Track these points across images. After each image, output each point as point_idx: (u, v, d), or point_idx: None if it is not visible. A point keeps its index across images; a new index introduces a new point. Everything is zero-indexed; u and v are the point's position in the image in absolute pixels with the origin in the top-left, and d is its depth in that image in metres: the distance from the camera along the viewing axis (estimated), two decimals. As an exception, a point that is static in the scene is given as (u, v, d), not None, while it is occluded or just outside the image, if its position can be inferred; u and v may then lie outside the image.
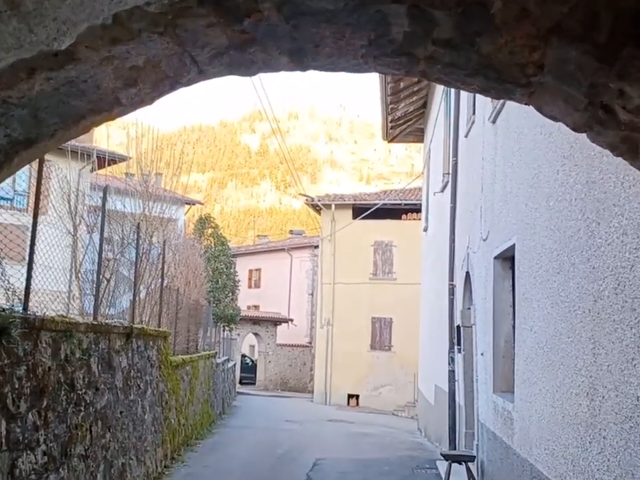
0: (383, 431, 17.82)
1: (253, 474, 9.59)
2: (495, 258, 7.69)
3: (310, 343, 37.15)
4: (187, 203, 38.97)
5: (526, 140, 6.15)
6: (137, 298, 10.53)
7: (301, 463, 10.85)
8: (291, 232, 50.41)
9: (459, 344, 10.38)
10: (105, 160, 15.93)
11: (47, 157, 10.72)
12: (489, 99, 8.27)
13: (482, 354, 8.26)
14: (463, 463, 8.16)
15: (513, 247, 6.70)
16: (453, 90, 11.50)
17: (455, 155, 10.95)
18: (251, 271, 43.73)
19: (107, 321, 7.23)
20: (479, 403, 8.57)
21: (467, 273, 9.66)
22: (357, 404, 27.78)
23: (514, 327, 7.53)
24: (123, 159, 18.25)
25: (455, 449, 10.64)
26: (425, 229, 18.17)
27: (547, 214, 5.28)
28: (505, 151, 7.20)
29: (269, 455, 11.67)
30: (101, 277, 9.39)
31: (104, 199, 7.13)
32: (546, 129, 5.36)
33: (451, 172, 11.32)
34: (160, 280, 10.52)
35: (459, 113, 10.87)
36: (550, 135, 5.23)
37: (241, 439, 14.31)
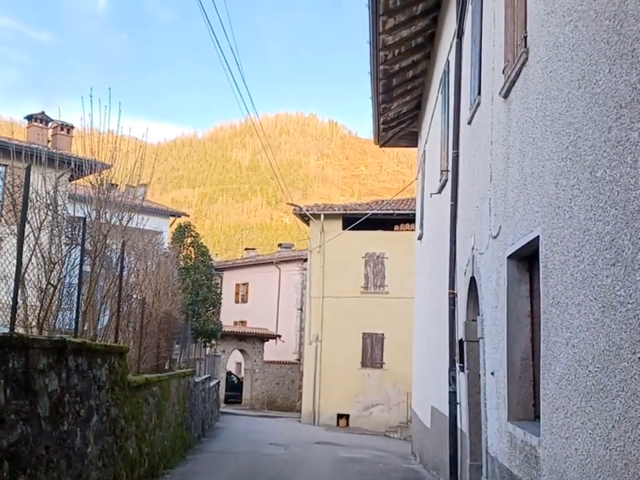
0: (374, 456, 16.40)
1: (221, 515, 8.15)
2: (509, 257, 6.37)
3: (299, 360, 35.68)
4: (172, 215, 37.73)
5: (555, 104, 4.86)
6: (91, 308, 9.14)
7: (280, 499, 9.42)
8: (280, 245, 49.06)
9: (461, 361, 9.03)
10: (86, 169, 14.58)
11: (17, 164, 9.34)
12: (497, 74, 7.01)
13: (492, 373, 6.91)
14: (471, 506, 6.79)
15: (535, 242, 5.39)
16: (452, 75, 10.26)
17: (456, 146, 9.67)
18: (238, 285, 42.30)
19: (28, 334, 5.84)
20: (488, 432, 7.20)
21: (472, 278, 8.34)
22: (347, 424, 26.31)
23: (532, 340, 6.22)
24: (105, 167, 16.97)
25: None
26: (419, 237, 16.87)
27: (593, 189, 3.96)
28: (522, 126, 5.90)
29: (244, 488, 10.24)
30: (46, 282, 8.05)
31: (27, 180, 5.76)
32: (588, 79, 4.07)
33: (451, 167, 10.03)
34: (118, 287, 9.11)
35: (460, 98, 9.61)
36: (596, 84, 3.94)
37: (217, 467, 12.85)
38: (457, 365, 9.31)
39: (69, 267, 8.68)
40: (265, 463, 13.73)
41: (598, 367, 3.78)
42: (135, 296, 10.94)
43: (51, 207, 8.93)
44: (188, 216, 38.23)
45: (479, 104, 8.12)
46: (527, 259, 6.30)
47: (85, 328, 9.31)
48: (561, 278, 4.60)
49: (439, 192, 12.02)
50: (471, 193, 8.65)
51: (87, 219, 9.37)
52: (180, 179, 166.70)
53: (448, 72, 11.15)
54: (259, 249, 55.40)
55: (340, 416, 26.58)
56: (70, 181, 17.84)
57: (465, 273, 8.83)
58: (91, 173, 13.74)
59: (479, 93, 8.11)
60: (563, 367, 4.49)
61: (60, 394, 6.03)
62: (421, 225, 16.60)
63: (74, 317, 8.99)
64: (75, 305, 8.67)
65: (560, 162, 4.69)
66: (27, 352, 5.16)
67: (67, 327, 8.94)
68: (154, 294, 12.50)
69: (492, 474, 6.87)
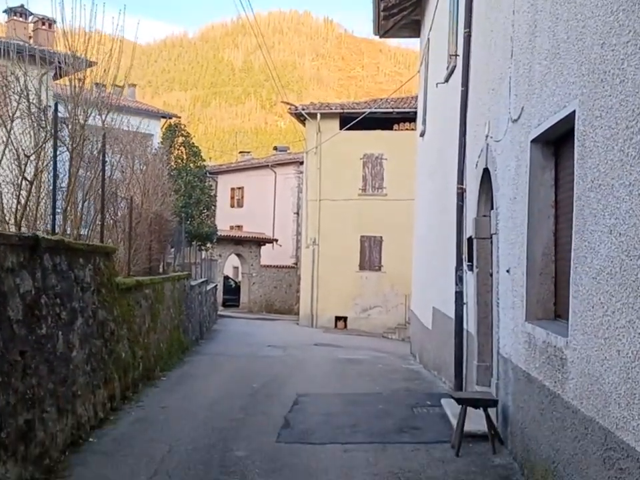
0: (373, 357, 16.27)
1: (218, 418, 7.83)
2: (533, 141, 5.67)
3: (296, 264, 35.54)
4: (162, 117, 36.37)
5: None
6: (73, 206, 8.50)
7: (278, 401, 9.14)
8: (275, 148, 47.89)
9: (469, 260, 8.50)
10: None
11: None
12: None
13: (508, 271, 6.37)
14: (481, 408, 6.41)
15: (568, 119, 4.67)
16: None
17: (468, 25, 8.72)
18: (233, 189, 41.55)
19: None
20: (500, 333, 6.75)
21: (485, 170, 7.65)
22: (345, 326, 26.38)
23: (555, 233, 5.62)
24: (91, 64, 15.85)
25: (461, 383, 8.95)
26: (422, 134, 16.02)
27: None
28: (555, -15, 5.05)
29: (242, 391, 9.96)
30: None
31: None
32: None
33: (462, 49, 9.11)
34: (101, 184, 8.41)
35: (475, -31, 8.58)
36: None
37: (214, 369, 12.63)
38: (465, 264, 8.79)
39: (47, 162, 8.00)
40: (262, 364, 13.53)
41: (655, 257, 3.18)
42: (121, 195, 10.25)
43: (23, 95, 8.11)
44: (179, 117, 36.86)
45: (498, -29, 7.16)
46: (553, 142, 5.61)
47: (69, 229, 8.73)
48: (605, 157, 3.92)
49: (446, 81, 11.12)
50: (485, 74, 7.82)
51: (61, 109, 8.58)
52: (171, 82, 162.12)
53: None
54: (254, 153, 54.20)
55: (338, 318, 26.60)
56: (55, 79, 16.74)
57: (477, 165, 8.14)
58: (76, 71, 12.62)
59: (499, -42, 7.13)
60: (602, 259, 3.90)
61: (35, 295, 5.47)
62: (424, 120, 15.71)
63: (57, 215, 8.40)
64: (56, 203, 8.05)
65: (608, 17, 3.90)
66: (-10, 248, 4.54)
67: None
68: (142, 194, 11.83)
69: (504, 375, 6.46)
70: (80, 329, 6.78)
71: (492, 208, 7.49)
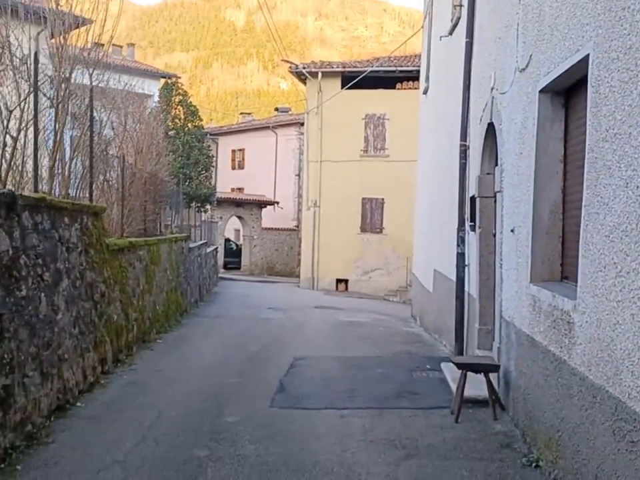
0: (374, 319, 16.08)
1: (212, 383, 7.62)
2: (542, 91, 5.29)
3: (297, 226, 35.23)
4: (162, 77, 35.63)
5: None
6: (60, 163, 8.16)
7: (275, 365, 8.93)
8: (277, 109, 47.13)
9: (472, 220, 8.18)
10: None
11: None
12: None
13: (512, 230, 6.05)
14: (481, 373, 6.17)
15: (581, 64, 4.31)
16: None
17: (474, -29, 8.25)
18: (233, 151, 41.00)
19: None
20: (503, 295, 6.47)
21: (490, 125, 7.28)
22: (346, 289, 26.20)
23: (564, 190, 5.30)
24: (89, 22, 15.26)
25: (462, 347, 8.73)
26: (425, 91, 15.54)
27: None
28: None
29: (239, 354, 9.75)
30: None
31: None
32: None
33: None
34: (89, 138, 8.05)
35: None
36: None
37: (213, 331, 12.45)
38: (467, 224, 8.47)
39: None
40: (262, 327, 13.35)
41: (677, 211, 2.87)
42: (113, 153, 9.90)
43: (5, 47, 7.71)
44: (179, 77, 36.10)
45: None
46: (563, 92, 5.25)
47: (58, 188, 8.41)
48: (622, 102, 3.57)
49: (450, 34, 10.66)
50: (491, 23, 7.38)
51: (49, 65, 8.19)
52: (172, 42, 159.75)
53: None
54: (255, 115, 53.44)
55: (339, 281, 26.41)
56: (51, 38, 16.20)
57: (481, 120, 7.76)
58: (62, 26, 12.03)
59: None
60: (617, 216, 3.58)
61: (13, 255, 5.19)
62: (427, 77, 15.22)
63: (44, 173, 8.09)
64: (41, 158, 7.72)
65: (630, -54, 3.51)
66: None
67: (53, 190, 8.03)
68: (136, 152, 11.47)
69: (506, 339, 6.20)
70: (66, 291, 6.51)
71: (496, 165, 7.15)
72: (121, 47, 45.24)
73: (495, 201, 7.43)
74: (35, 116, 6.26)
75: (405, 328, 14.47)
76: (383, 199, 25.98)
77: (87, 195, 8.83)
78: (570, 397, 4.22)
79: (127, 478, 4.55)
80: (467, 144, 8.59)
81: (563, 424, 4.34)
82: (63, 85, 7.52)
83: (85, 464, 4.80)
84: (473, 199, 8.09)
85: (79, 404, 6.41)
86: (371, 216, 26.30)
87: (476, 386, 6.44)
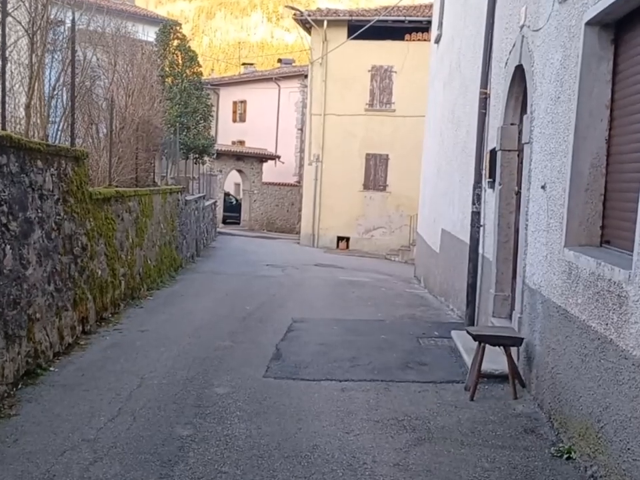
0: (376, 279, 15.48)
1: (201, 346, 6.98)
2: (588, 24, 4.50)
3: (298, 182, 34.37)
4: (162, 24, 34.33)
5: None
6: (39, 102, 7.37)
7: (271, 327, 8.31)
8: (280, 61, 45.66)
9: (491, 176, 7.43)
10: None
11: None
12: None
13: (543, 187, 5.32)
14: (501, 347, 5.52)
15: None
16: None
17: None
18: (235, 103, 39.80)
19: None
20: (527, 260, 5.77)
21: (518, 68, 6.47)
22: (347, 247, 25.54)
23: (608, 141, 4.55)
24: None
25: (473, 313, 8.09)
26: (437, 40, 14.59)
27: None
28: None
29: (233, 314, 9.13)
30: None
31: None
32: None
33: None
34: (71, 73, 7.23)
35: None
36: None
37: (207, 288, 11.83)
38: (484, 180, 7.73)
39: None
40: (258, 285, 12.72)
41: None
42: (100, 94, 9.09)
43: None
44: (180, 24, 34.73)
45: None
46: (612, 25, 4.46)
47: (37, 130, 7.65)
48: None
49: (471, -28, 9.72)
50: (524, -49, 6.51)
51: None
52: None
53: None
54: (258, 67, 51.92)
55: (340, 238, 25.74)
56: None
57: (506, 63, 6.94)
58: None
59: None
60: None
61: (-31, 201, 4.48)
62: (440, 24, 14.24)
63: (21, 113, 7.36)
64: (17, 95, 6.98)
65: None
66: None
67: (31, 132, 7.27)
68: (127, 95, 10.63)
69: (530, 309, 5.53)
70: (38, 243, 5.82)
71: (523, 113, 6.37)
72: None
73: (519, 155, 6.69)
74: (3, 42, 5.45)
75: (409, 289, 13.85)
76: (387, 155, 25.13)
77: (61, 134, 8.10)
78: (618, 383, 3.56)
79: (95, 462, 3.92)
80: (488, 92, 7.78)
81: (607, 414, 3.70)
82: (40, 9, 6.67)
83: (48, 443, 4.17)
84: (492, 152, 7.33)
85: (52, 368, 5.78)
86: (375, 172, 25.47)
87: (492, 358, 5.82)
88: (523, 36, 6.22)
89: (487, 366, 5.69)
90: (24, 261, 5.47)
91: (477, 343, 5.53)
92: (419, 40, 24.25)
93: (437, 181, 13.26)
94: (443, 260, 11.71)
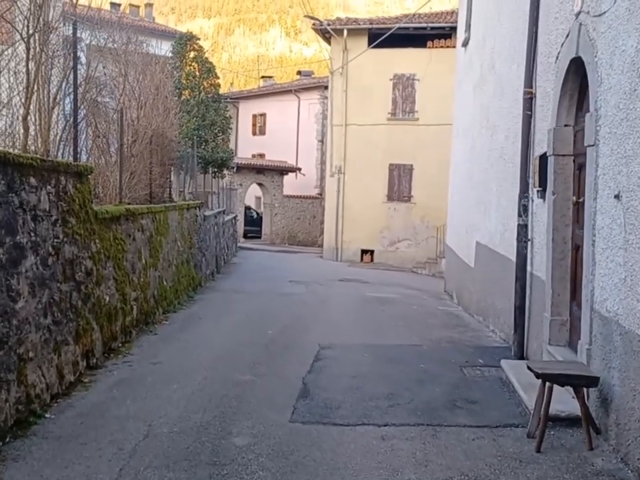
0: (405, 295, 14.66)
1: (219, 381, 6.21)
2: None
3: (320, 194, 33.69)
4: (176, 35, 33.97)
5: None
6: (38, 113, 6.72)
7: (297, 355, 7.53)
8: (299, 73, 45.21)
9: (540, 185, 6.61)
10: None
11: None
12: None
13: (617, 196, 4.49)
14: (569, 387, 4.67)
15: None
16: None
17: None
18: (255, 116, 39.32)
19: None
20: (596, 282, 4.93)
21: (574, 61, 5.66)
22: (372, 260, 24.73)
23: None
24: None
25: (522, 338, 7.23)
26: (465, 43, 13.81)
27: None
28: None
29: (254, 340, 8.36)
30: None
31: None
32: None
33: None
34: (73, 79, 6.57)
35: None
36: None
37: (227, 309, 11.10)
38: (534, 189, 6.90)
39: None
40: (281, 304, 11.97)
41: None
42: (108, 104, 8.43)
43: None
44: (199, 39, 34.41)
45: None
46: None
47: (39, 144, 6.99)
48: None
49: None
50: None
51: None
52: (194, 9, 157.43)
53: None
54: (277, 80, 51.49)
55: (364, 251, 24.95)
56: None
57: (558, 57, 6.13)
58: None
59: None
60: None
61: (-61, 227, 3.78)
62: (467, 26, 13.48)
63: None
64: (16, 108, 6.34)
65: None
66: None
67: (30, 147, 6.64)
68: (139, 107, 9.99)
69: (603, 341, 4.69)
70: (30, 272, 5.11)
71: (578, 113, 5.56)
72: (138, 7, 43.55)
73: (576, 160, 5.86)
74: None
75: (441, 307, 13.00)
76: (411, 165, 24.35)
77: (83, 155, 7.46)
78: None
79: None
80: (533, 91, 6.97)
81: None
82: (35, 11, 6.02)
83: (30, 520, 3.43)
84: (542, 158, 6.51)
85: (48, 415, 5.04)
86: (399, 183, 24.69)
87: (556, 397, 4.95)
88: (580, 24, 5.41)
89: (551, 406, 4.85)
90: (12, 293, 4.76)
91: (539, 380, 4.69)
92: (441, 47, 23.55)
93: (468, 190, 12.44)
94: (479, 275, 10.87)
